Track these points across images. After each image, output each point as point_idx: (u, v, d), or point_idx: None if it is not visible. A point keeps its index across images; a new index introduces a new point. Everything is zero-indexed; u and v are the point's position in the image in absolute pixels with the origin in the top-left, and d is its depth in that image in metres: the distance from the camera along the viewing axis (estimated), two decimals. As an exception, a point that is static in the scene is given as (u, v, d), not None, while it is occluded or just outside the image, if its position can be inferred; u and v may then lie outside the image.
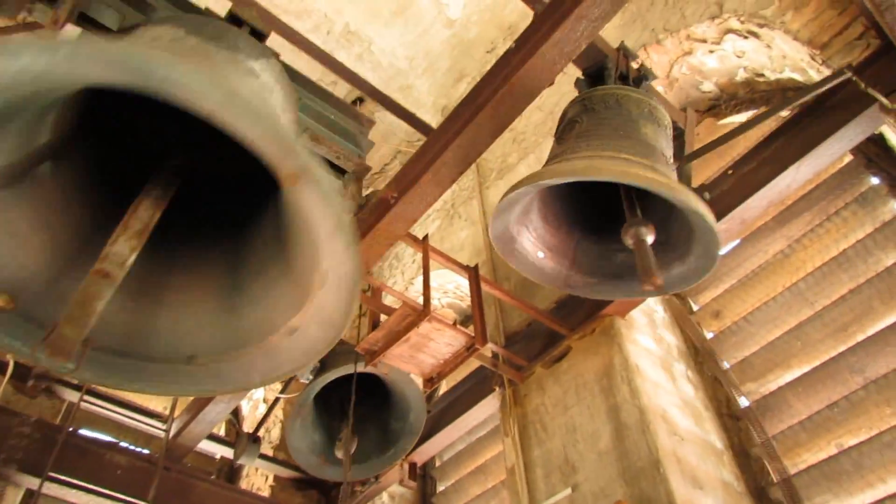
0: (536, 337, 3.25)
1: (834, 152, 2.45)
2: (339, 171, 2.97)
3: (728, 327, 3.07)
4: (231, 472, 4.72)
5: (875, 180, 2.79)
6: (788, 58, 3.13)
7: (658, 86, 3.76)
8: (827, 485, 2.43)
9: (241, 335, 1.57)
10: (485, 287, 2.80)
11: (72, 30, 2.29)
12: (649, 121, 2.30)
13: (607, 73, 2.54)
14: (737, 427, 2.84)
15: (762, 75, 3.42)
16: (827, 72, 2.71)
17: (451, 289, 4.74)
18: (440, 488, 4.33)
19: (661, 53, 3.66)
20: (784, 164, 2.51)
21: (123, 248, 1.26)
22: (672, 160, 2.28)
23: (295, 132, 1.05)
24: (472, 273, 2.71)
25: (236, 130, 1.01)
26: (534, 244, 2.32)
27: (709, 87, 3.68)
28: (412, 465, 3.66)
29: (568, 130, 2.40)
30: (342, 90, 5.02)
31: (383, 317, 2.62)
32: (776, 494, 2.56)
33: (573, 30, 2.05)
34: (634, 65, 2.60)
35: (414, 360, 2.55)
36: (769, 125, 3.26)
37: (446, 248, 4.57)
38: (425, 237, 2.67)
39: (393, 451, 3.28)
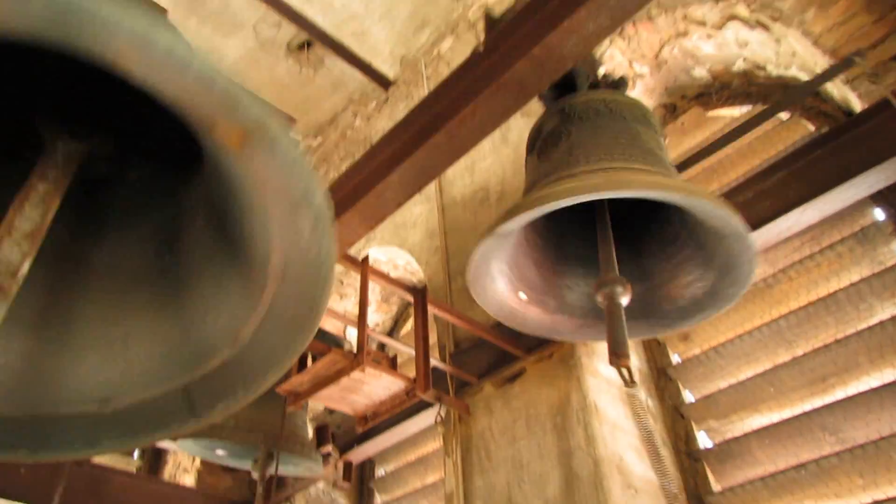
0: (489, 348, 2.95)
1: (848, 197, 2.12)
2: None
3: (696, 355, 2.82)
4: (154, 457, 4.42)
5: (880, 215, 2.49)
6: (799, 56, 2.73)
7: (644, 66, 3.34)
8: (785, 552, 2.26)
9: (177, 360, 1.21)
10: (434, 310, 2.45)
11: None
12: (647, 126, 1.98)
13: (580, 81, 2.16)
14: (694, 469, 2.64)
15: (763, 68, 3.02)
16: (850, 93, 2.33)
17: (401, 264, 4.38)
18: (379, 473, 4.15)
19: (651, 31, 3.21)
20: (788, 204, 2.18)
21: (12, 254, 0.96)
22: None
23: (238, 84, 0.68)
24: (418, 299, 2.35)
25: (153, 81, 0.71)
26: (514, 284, 1.98)
27: (700, 73, 3.27)
28: (347, 465, 3.42)
29: (552, 144, 2.03)
30: (287, 33, 4.41)
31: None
32: (729, 553, 2.39)
33: (560, 44, 1.62)
34: (601, 71, 2.24)
35: (346, 401, 2.23)
36: (769, 137, 2.90)
37: (397, 222, 4.17)
38: (365, 259, 2.28)
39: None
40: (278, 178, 0.84)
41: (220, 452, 3.01)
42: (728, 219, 1.58)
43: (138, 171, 1.40)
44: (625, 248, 2.08)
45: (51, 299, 1.23)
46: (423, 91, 4.74)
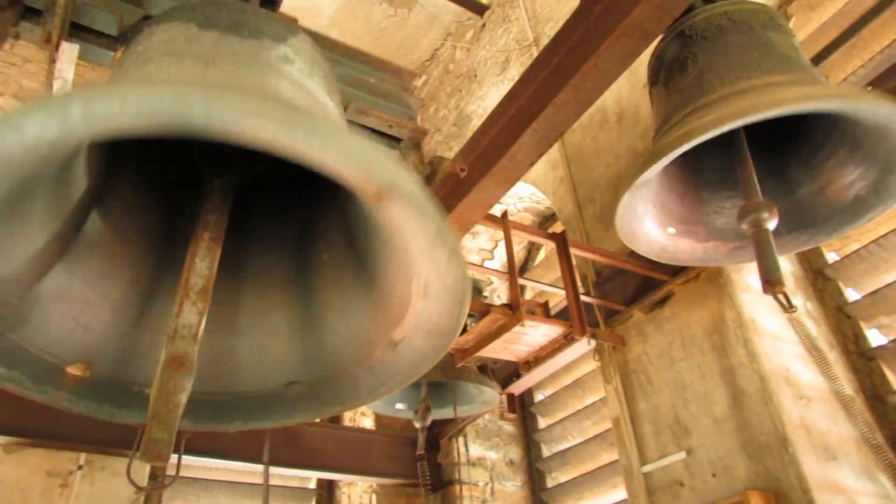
0: (632, 275, 2.98)
1: None
2: (392, 139, 2.64)
3: (855, 251, 2.69)
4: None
5: None
6: None
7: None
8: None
9: (337, 354, 1.47)
10: (575, 251, 2.51)
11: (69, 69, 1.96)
12: (776, 31, 1.88)
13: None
14: (868, 368, 2.58)
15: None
16: None
17: (526, 195, 4.42)
18: (537, 398, 4.37)
19: None
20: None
21: (191, 317, 1.13)
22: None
23: (372, 144, 0.88)
24: (560, 245, 2.41)
25: (303, 158, 0.84)
26: (661, 221, 2.00)
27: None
28: (510, 397, 3.64)
29: (678, 72, 1.99)
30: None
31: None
32: (917, 449, 2.35)
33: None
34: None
35: (509, 351, 2.39)
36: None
37: (517, 157, 4.18)
38: (504, 214, 2.36)
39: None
40: (414, 222, 0.98)
41: (399, 406, 3.32)
42: (892, 115, 1.49)
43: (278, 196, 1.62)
44: (767, 165, 2.02)
45: (219, 311, 1.47)
46: (521, 11, 4.62)
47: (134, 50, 1.54)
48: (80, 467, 3.04)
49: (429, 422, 3.18)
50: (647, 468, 2.64)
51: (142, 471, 3.28)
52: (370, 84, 2.44)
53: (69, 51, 2.02)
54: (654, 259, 2.05)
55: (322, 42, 2.29)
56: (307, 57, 1.60)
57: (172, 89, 0.78)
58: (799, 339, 2.38)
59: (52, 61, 1.90)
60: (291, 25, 1.70)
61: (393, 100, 2.52)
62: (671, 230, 1.99)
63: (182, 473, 3.32)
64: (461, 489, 3.80)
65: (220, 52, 1.38)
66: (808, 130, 1.99)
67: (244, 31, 1.50)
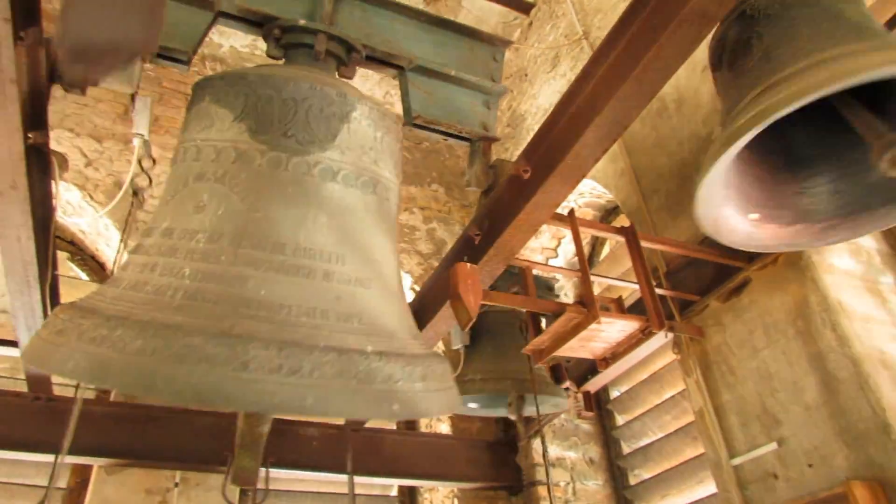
0: (704, 263, 2.90)
1: None
2: (462, 139, 2.58)
3: (947, 222, 2.55)
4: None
5: None
6: None
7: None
8: None
9: None
10: (645, 243, 2.47)
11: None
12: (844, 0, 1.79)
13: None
14: (971, 344, 2.44)
15: None
16: None
17: (586, 190, 4.37)
18: (613, 394, 4.31)
19: None
20: None
21: None
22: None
23: None
24: (630, 238, 2.37)
25: None
26: (741, 207, 1.93)
27: None
28: (586, 395, 3.60)
29: (743, 54, 1.92)
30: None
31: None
32: None
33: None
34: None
35: (585, 349, 2.37)
36: None
37: (575, 152, 4.14)
38: (571, 212, 2.34)
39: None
40: None
41: (472, 405, 3.33)
42: None
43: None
44: (846, 139, 1.93)
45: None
46: (568, 6, 4.57)
47: (196, 123, 1.56)
48: (176, 485, 3.19)
49: (524, 412, 3.15)
50: (736, 461, 2.56)
51: (233, 487, 3.41)
52: (449, 76, 2.33)
53: (142, 106, 2.11)
54: (740, 248, 1.98)
55: (405, 13, 2.25)
56: (358, 142, 1.62)
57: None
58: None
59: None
60: (344, 104, 1.64)
61: (473, 87, 2.41)
62: (753, 216, 1.93)
63: (269, 486, 3.41)
64: (542, 490, 3.78)
65: (264, 183, 1.43)
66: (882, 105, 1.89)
67: (292, 141, 1.50)
